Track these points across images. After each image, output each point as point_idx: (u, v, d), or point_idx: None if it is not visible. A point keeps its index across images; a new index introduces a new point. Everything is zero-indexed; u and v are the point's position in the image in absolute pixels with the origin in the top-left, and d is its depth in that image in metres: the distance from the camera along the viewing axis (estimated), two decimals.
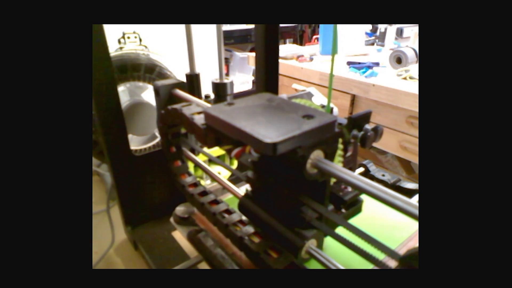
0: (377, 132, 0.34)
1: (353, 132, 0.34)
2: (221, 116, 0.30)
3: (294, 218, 0.33)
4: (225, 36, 1.85)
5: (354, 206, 0.38)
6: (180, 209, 0.53)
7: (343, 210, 0.38)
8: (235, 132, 0.28)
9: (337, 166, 0.27)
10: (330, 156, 0.29)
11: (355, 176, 0.25)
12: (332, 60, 0.32)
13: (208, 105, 0.40)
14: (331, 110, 0.38)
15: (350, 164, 0.37)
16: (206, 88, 0.58)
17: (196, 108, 0.38)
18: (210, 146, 0.34)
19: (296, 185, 0.31)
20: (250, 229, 0.38)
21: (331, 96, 0.33)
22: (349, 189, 0.38)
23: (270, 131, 0.26)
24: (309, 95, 0.43)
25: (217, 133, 0.32)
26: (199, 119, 0.35)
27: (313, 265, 0.33)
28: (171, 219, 0.54)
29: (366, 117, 0.35)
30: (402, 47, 1.02)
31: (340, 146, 0.34)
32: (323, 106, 0.40)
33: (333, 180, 0.36)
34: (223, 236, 0.43)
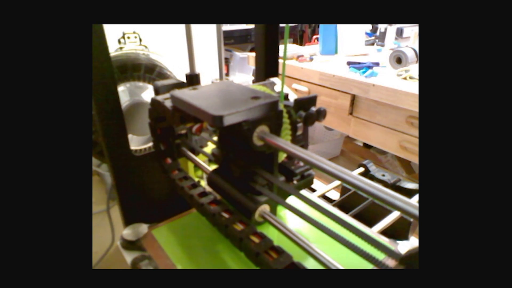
0: (320, 112, 0.39)
1: (299, 113, 0.39)
2: (183, 97, 0.35)
3: (247, 186, 0.38)
4: (225, 36, 1.85)
5: (305, 179, 0.45)
6: (127, 233, 0.51)
7: (295, 182, 0.44)
8: (193, 109, 0.33)
9: (280, 139, 0.32)
10: (275, 131, 0.35)
11: (295, 147, 0.30)
12: (285, 51, 0.36)
13: None
14: (286, 96, 0.44)
15: (302, 142, 0.43)
16: None
17: (168, 95, 0.44)
18: (176, 124, 0.40)
19: (248, 156, 0.37)
20: (250, 229, 0.38)
21: (284, 83, 0.39)
22: (301, 163, 0.44)
23: (219, 108, 0.31)
24: (271, 84, 0.48)
25: (181, 112, 0.38)
26: (169, 103, 0.41)
27: (313, 265, 0.33)
28: (118, 243, 0.51)
29: (312, 100, 0.40)
30: (402, 47, 1.02)
31: (289, 126, 0.39)
32: (278, 93, 0.44)
33: (282, 156, 0.42)
34: (168, 264, 0.45)
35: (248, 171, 0.38)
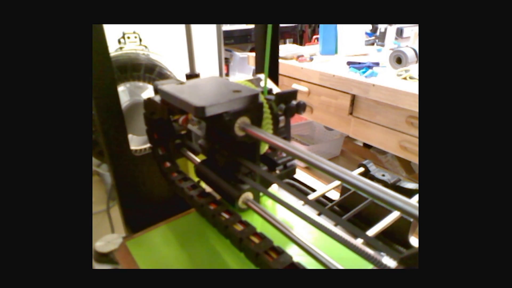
0: (300, 106, 0.41)
1: (280, 106, 0.41)
2: (170, 91, 0.37)
3: (231, 175, 0.40)
4: (225, 36, 1.85)
5: (287, 169, 0.47)
6: (99, 244, 0.48)
7: (278, 172, 0.47)
8: (178, 101, 0.35)
9: (260, 129, 0.35)
10: (256, 122, 0.37)
11: (273, 137, 0.32)
12: (267, 49, 0.40)
13: None
14: (270, 90, 0.45)
15: (284, 134, 0.45)
16: None
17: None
18: (165, 116, 0.43)
19: (231, 147, 0.39)
20: (250, 229, 0.38)
21: (267, 78, 0.41)
22: (284, 154, 0.46)
23: (202, 99, 0.33)
24: (257, 80, 0.50)
25: (169, 105, 0.40)
26: (158, 98, 0.44)
27: (313, 265, 0.33)
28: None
29: (292, 95, 0.43)
30: (402, 47, 1.02)
31: (270, 118, 0.41)
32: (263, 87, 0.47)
33: (265, 147, 0.45)
34: None
35: (232, 161, 0.40)
